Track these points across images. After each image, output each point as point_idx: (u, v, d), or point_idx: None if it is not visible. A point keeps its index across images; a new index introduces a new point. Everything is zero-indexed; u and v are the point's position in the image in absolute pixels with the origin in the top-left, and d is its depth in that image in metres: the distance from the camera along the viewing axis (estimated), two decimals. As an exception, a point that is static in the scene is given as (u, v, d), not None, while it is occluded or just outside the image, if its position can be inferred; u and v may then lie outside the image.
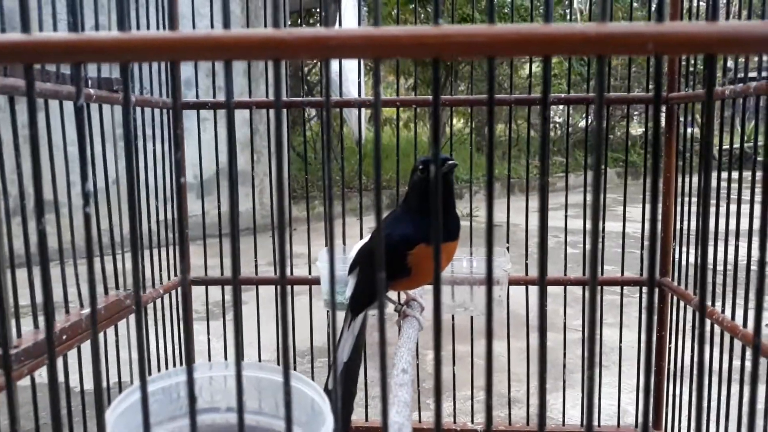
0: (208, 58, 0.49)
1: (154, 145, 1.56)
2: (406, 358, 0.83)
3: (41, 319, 1.06)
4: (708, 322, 1.33)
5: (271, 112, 1.78)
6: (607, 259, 1.80)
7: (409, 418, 0.65)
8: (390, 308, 1.28)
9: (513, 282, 1.66)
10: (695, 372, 1.42)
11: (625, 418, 1.86)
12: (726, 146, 1.34)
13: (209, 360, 1.69)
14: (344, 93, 4.05)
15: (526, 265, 1.76)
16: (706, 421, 1.38)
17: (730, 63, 1.42)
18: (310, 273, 1.79)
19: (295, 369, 1.73)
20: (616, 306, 1.85)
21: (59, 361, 1.14)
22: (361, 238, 1.43)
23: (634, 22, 0.47)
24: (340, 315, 1.32)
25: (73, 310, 1.12)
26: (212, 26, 1.58)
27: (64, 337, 1.03)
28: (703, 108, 1.43)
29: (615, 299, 1.94)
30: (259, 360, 1.77)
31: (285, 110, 1.77)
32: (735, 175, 1.30)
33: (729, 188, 1.35)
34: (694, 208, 1.43)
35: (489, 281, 0.42)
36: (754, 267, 1.91)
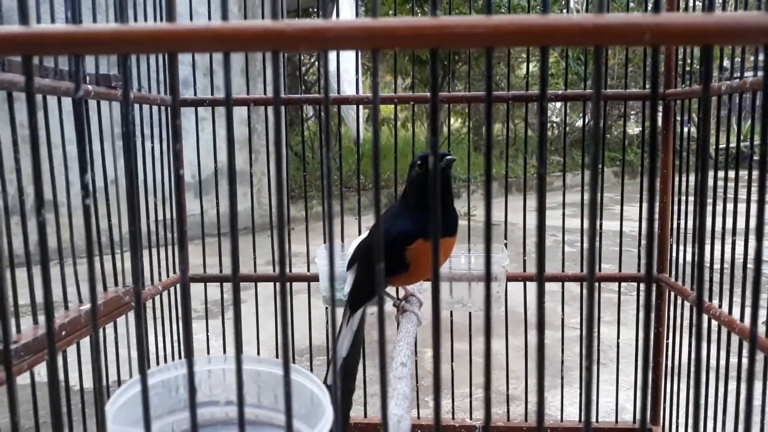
0: (206, 50, 0.49)
1: (152, 143, 1.56)
2: (404, 352, 0.84)
3: (41, 318, 1.07)
4: (705, 317, 1.33)
5: (269, 111, 1.79)
6: (605, 258, 1.80)
7: (408, 411, 0.65)
8: (388, 304, 1.28)
9: (511, 278, 1.67)
10: (693, 364, 1.43)
11: (623, 415, 1.86)
12: (722, 145, 1.35)
13: (208, 358, 1.69)
14: (341, 93, 4.05)
15: (524, 261, 1.77)
16: (703, 417, 1.38)
17: (726, 63, 1.43)
18: (308, 271, 1.79)
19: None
20: (614, 304, 1.85)
21: (59, 358, 1.13)
22: (360, 235, 1.44)
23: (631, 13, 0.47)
24: (339, 311, 1.33)
25: (72, 307, 1.12)
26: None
27: (64, 333, 1.03)
28: (700, 105, 1.43)
29: (612, 297, 1.95)
30: (258, 358, 1.77)
31: (282, 107, 1.77)
32: (732, 174, 1.31)
33: (726, 187, 1.35)
34: (690, 207, 1.44)
35: (488, 263, 0.43)
36: (750, 265, 1.92)
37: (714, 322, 1.36)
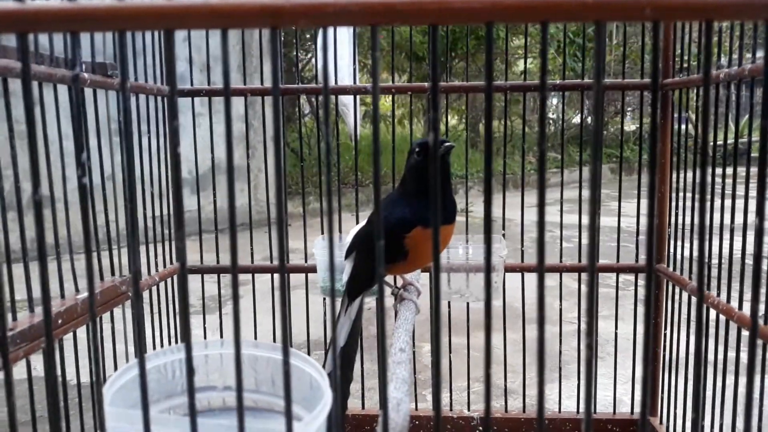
0: (204, 26, 0.48)
1: (149, 140, 1.56)
2: (403, 338, 0.84)
3: (38, 309, 1.06)
4: (703, 306, 1.33)
5: (267, 107, 1.78)
6: (602, 254, 1.81)
7: (406, 394, 0.65)
8: (387, 292, 1.28)
9: (509, 269, 1.67)
10: (693, 352, 1.43)
11: (621, 407, 1.86)
12: (720, 142, 1.35)
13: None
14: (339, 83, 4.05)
15: (522, 252, 1.77)
16: (702, 406, 1.38)
17: (723, 60, 1.43)
18: (305, 262, 1.79)
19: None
20: (611, 298, 1.86)
21: (55, 347, 1.13)
22: (357, 225, 1.43)
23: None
24: (337, 302, 1.32)
25: (69, 295, 1.12)
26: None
27: (60, 321, 1.03)
28: (697, 98, 1.43)
29: (610, 292, 1.95)
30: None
31: (280, 103, 1.76)
32: (729, 171, 1.31)
33: (723, 183, 1.35)
34: (689, 203, 1.44)
35: (488, 244, 0.42)
36: (749, 261, 1.92)
37: (712, 315, 1.36)
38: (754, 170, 1.18)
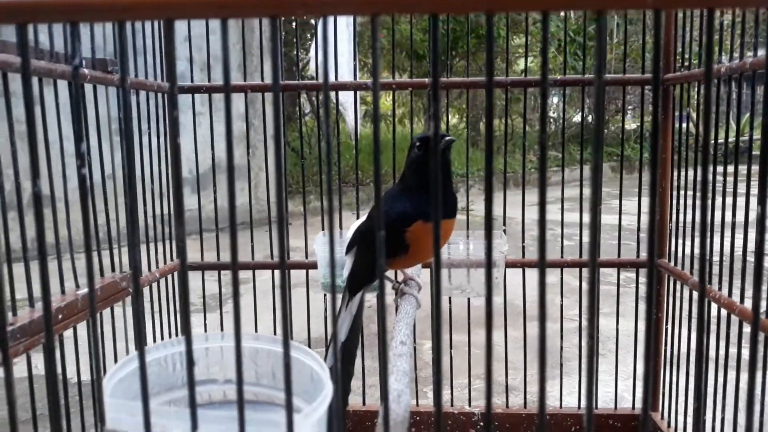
0: (204, 16, 0.48)
1: (149, 138, 1.56)
2: (404, 331, 0.84)
3: (39, 305, 1.06)
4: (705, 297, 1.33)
5: (267, 106, 1.78)
6: (603, 251, 1.80)
7: (407, 386, 0.65)
8: (387, 287, 1.28)
9: (510, 264, 1.66)
10: (694, 346, 1.43)
11: (622, 404, 1.86)
12: (721, 140, 1.34)
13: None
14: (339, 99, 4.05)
15: (523, 248, 1.77)
16: (703, 400, 1.38)
17: (724, 59, 1.43)
18: (306, 258, 1.79)
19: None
20: (613, 296, 1.85)
21: (55, 343, 1.13)
22: (358, 220, 1.43)
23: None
24: (337, 299, 1.32)
25: (69, 291, 1.12)
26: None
27: (60, 316, 1.03)
28: (698, 91, 1.43)
29: (611, 289, 1.95)
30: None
31: (280, 102, 1.76)
32: (731, 169, 1.31)
33: (725, 181, 1.35)
34: (690, 201, 1.44)
35: (489, 234, 0.42)
36: (750, 259, 1.92)
37: (714, 312, 1.36)
38: (755, 168, 1.18)
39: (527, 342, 1.78)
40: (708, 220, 0.43)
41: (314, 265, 1.73)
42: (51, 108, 1.12)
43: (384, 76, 8.97)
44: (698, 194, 1.05)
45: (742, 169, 1.36)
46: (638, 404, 1.81)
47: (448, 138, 1.05)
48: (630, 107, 8.98)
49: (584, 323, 1.95)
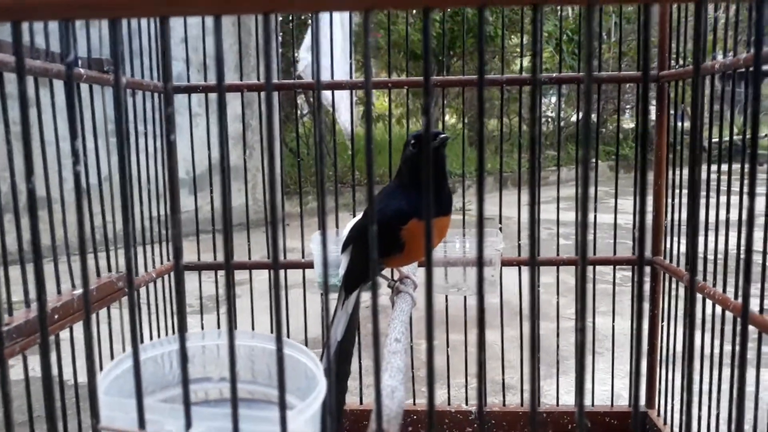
0: (199, 12, 0.48)
1: (146, 139, 1.56)
2: (399, 328, 0.84)
3: (34, 305, 1.06)
4: (699, 296, 1.34)
5: (263, 106, 1.78)
6: (599, 250, 1.81)
7: (401, 383, 0.65)
8: (382, 285, 1.28)
9: (505, 263, 1.67)
10: (686, 333, 1.43)
11: (619, 401, 1.87)
12: (715, 139, 1.35)
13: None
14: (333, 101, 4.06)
15: (519, 246, 1.77)
16: (698, 401, 1.39)
17: (720, 57, 1.43)
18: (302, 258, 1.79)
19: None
20: (609, 294, 1.86)
21: (51, 344, 1.13)
22: (354, 218, 1.43)
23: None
24: (332, 297, 1.32)
25: (65, 291, 1.12)
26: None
27: (56, 316, 1.03)
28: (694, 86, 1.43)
29: (607, 288, 1.95)
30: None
31: (277, 103, 1.77)
32: (730, 167, 1.31)
33: (719, 180, 1.36)
34: (684, 200, 1.44)
35: (480, 227, 0.43)
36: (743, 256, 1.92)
37: (708, 309, 1.37)
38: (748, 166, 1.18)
39: (524, 340, 1.78)
40: (698, 212, 0.43)
41: (311, 265, 1.74)
42: (47, 109, 1.12)
43: (381, 76, 8.98)
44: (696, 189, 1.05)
45: (736, 167, 1.36)
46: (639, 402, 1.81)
47: (442, 135, 1.05)
48: (628, 106, 8.99)
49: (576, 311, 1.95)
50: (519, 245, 1.78)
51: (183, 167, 1.93)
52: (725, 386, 1.31)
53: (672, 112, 1.58)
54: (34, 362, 1.21)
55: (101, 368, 1.27)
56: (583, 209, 0.41)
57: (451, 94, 7.28)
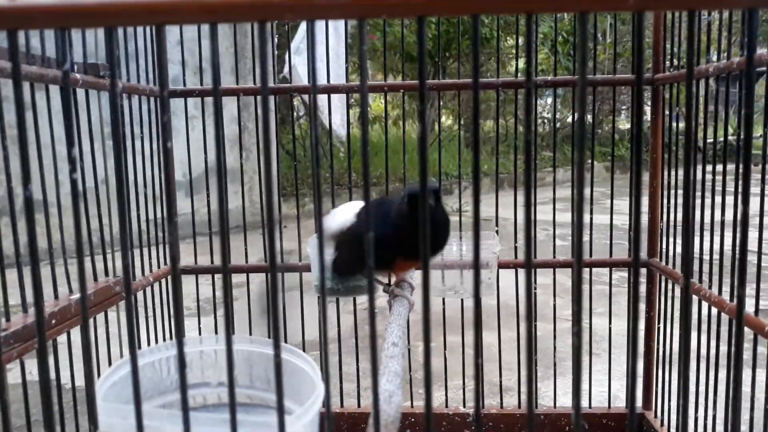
0: (194, 20, 0.49)
1: (142, 143, 1.56)
2: (396, 332, 0.84)
3: (32, 310, 1.06)
4: (695, 298, 1.34)
5: (260, 109, 1.78)
6: (596, 251, 1.81)
7: (399, 387, 0.65)
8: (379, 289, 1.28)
9: (502, 265, 1.67)
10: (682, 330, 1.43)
11: (616, 403, 1.87)
12: (710, 140, 1.35)
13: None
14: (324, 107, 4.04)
15: (515, 248, 1.77)
16: (695, 402, 1.39)
17: (713, 56, 1.44)
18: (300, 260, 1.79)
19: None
20: (606, 295, 1.86)
21: (49, 348, 1.13)
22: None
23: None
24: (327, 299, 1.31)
25: (62, 296, 1.12)
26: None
27: (54, 321, 1.03)
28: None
29: (604, 289, 1.96)
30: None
31: (274, 106, 1.77)
32: (724, 169, 1.32)
33: (714, 180, 1.36)
34: (681, 200, 1.45)
35: (477, 224, 0.43)
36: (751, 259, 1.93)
37: (705, 311, 1.37)
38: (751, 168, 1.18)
39: (521, 342, 1.78)
40: (690, 213, 0.43)
41: (308, 268, 1.74)
42: (44, 112, 1.13)
43: (377, 78, 8.98)
44: (691, 191, 1.06)
45: (731, 167, 1.36)
46: (635, 404, 1.82)
47: (433, 189, 1.04)
48: (624, 107, 9.01)
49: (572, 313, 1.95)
50: (515, 247, 1.79)
51: (180, 170, 1.93)
52: (722, 388, 1.31)
53: (667, 113, 1.59)
54: (32, 366, 1.21)
55: (99, 373, 1.27)
56: (578, 215, 0.42)
57: (447, 96, 7.29)
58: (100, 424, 0.58)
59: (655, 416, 1.69)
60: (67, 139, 0.49)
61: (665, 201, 1.60)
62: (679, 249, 1.51)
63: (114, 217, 1.33)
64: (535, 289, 1.78)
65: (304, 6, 0.47)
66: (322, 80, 1.67)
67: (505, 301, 1.73)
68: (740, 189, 0.48)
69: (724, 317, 1.29)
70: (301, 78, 4.31)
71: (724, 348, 1.31)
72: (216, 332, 1.83)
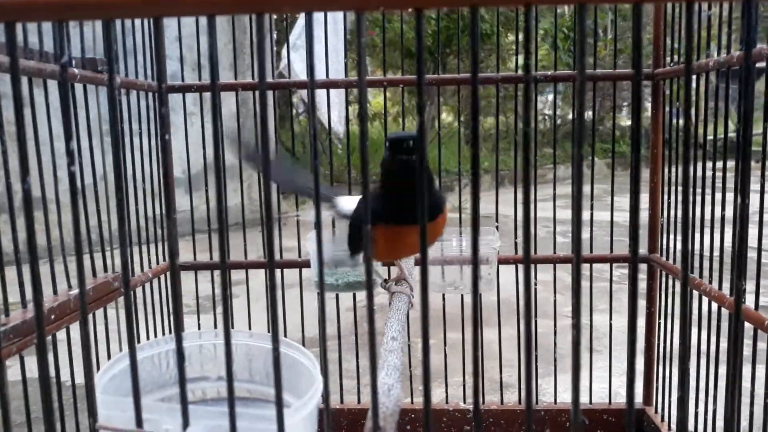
0: (192, 13, 0.48)
1: (141, 138, 1.56)
2: (395, 327, 0.84)
3: (31, 306, 1.06)
4: (696, 293, 1.34)
5: (258, 106, 1.78)
6: (596, 247, 1.81)
7: (398, 380, 0.65)
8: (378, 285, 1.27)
9: (502, 261, 1.67)
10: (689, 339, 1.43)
11: (617, 399, 1.87)
12: (716, 136, 1.35)
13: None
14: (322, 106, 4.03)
15: (515, 244, 1.77)
16: (695, 398, 1.39)
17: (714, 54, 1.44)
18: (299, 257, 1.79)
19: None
20: (607, 292, 1.86)
21: (48, 344, 1.13)
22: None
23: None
24: (326, 296, 1.31)
25: (61, 291, 1.12)
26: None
27: (53, 317, 1.03)
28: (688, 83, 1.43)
29: (605, 286, 1.96)
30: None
31: (274, 102, 1.77)
32: (725, 165, 1.32)
33: (714, 177, 1.36)
34: (681, 197, 1.44)
35: (475, 223, 0.43)
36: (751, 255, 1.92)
37: (705, 306, 1.37)
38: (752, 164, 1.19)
39: (521, 339, 1.78)
40: (690, 208, 0.43)
41: (307, 264, 1.74)
42: (42, 109, 1.12)
43: (377, 74, 8.97)
44: (691, 188, 1.05)
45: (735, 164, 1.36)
46: (633, 399, 1.82)
47: (410, 140, 1.02)
48: (625, 103, 9.00)
49: (571, 308, 1.95)
50: (516, 243, 1.79)
51: (179, 166, 1.93)
52: (722, 383, 1.31)
53: (668, 109, 1.59)
54: (32, 363, 1.21)
55: (98, 369, 1.27)
56: (577, 208, 0.42)
57: (448, 92, 7.28)
58: (99, 417, 0.58)
59: (656, 411, 1.69)
60: (65, 132, 0.49)
61: (666, 197, 1.60)
62: (679, 245, 1.50)
63: (113, 213, 1.33)
64: (536, 284, 1.78)
65: (302, -2, 0.47)
66: (320, 76, 1.67)
67: (505, 297, 1.73)
68: (738, 180, 0.48)
69: (725, 313, 1.29)
70: (298, 75, 4.30)
71: (724, 344, 1.31)
72: (215, 329, 1.83)
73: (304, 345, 1.84)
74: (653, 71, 1.56)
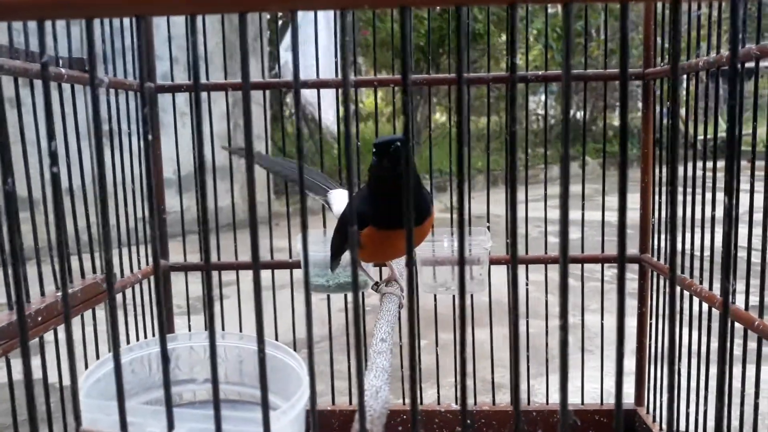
0: (175, 12, 0.48)
1: (130, 139, 1.55)
2: (384, 329, 0.83)
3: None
4: (686, 293, 1.34)
5: (254, 108, 1.77)
6: (588, 247, 1.81)
7: (386, 383, 0.65)
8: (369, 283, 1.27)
9: (494, 261, 1.67)
10: (679, 340, 1.43)
11: (609, 399, 1.87)
12: (707, 136, 1.35)
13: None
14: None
15: (507, 244, 1.77)
16: (686, 398, 1.39)
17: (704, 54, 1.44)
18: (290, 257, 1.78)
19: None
20: (598, 292, 1.86)
21: (35, 346, 1.12)
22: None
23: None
24: (317, 297, 1.31)
25: (48, 293, 1.11)
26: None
27: (40, 318, 1.02)
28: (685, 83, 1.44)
29: (597, 286, 1.96)
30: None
31: (263, 91, 1.76)
32: (715, 165, 1.32)
33: (704, 177, 1.36)
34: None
35: (461, 224, 0.42)
36: (742, 255, 1.93)
37: (695, 307, 1.37)
38: (743, 164, 1.19)
39: (510, 338, 1.78)
40: (677, 206, 0.43)
41: (298, 265, 1.73)
42: (29, 109, 1.11)
43: (369, 74, 8.96)
44: (682, 188, 1.06)
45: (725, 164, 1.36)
46: (625, 399, 1.82)
47: (397, 142, 1.02)
48: (617, 104, 9.01)
49: (571, 320, 1.95)
50: (507, 243, 1.78)
51: (169, 167, 1.92)
52: (713, 383, 1.31)
53: (659, 109, 1.59)
54: (19, 365, 1.19)
55: (86, 367, 1.26)
56: (563, 206, 0.41)
57: (441, 92, 7.28)
58: (83, 420, 0.57)
59: (647, 412, 1.69)
60: (47, 132, 0.49)
61: (656, 197, 1.60)
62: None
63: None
64: (527, 285, 1.77)
65: (287, -4, 0.47)
66: (311, 75, 1.66)
67: (497, 298, 1.73)
68: (726, 179, 0.48)
69: (715, 313, 1.29)
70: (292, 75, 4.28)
71: (715, 344, 1.31)
72: (206, 329, 1.82)
73: (295, 346, 1.84)
74: (644, 71, 1.56)
